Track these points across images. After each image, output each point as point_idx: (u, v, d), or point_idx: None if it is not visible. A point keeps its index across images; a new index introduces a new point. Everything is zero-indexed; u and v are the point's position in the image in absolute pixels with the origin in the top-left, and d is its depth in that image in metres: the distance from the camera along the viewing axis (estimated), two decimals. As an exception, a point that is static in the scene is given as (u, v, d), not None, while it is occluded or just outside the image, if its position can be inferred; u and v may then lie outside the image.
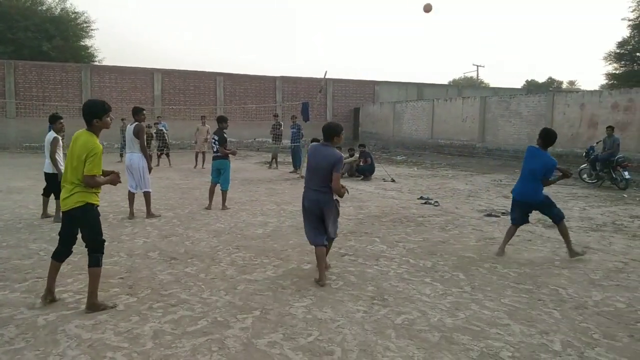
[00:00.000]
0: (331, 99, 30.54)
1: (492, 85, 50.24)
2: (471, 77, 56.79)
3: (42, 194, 8.26)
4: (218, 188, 9.27)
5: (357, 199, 10.45)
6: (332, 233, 5.21)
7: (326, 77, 16.81)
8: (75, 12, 32.71)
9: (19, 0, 30.82)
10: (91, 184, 4.16)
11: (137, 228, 7.50)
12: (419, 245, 6.65)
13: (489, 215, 8.74)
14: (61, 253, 4.43)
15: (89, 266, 4.25)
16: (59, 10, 32.14)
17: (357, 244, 6.68)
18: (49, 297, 4.41)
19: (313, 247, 5.22)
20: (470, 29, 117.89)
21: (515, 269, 5.62)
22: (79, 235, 4.36)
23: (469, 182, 13.62)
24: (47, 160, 7.93)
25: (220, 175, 9.18)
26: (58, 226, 7.49)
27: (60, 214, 7.71)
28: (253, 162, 19.37)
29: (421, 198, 10.52)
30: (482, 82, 53.70)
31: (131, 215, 8.30)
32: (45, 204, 8.23)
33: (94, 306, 4.23)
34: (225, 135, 9.17)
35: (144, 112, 8.48)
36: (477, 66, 51.31)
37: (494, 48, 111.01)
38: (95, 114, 4.25)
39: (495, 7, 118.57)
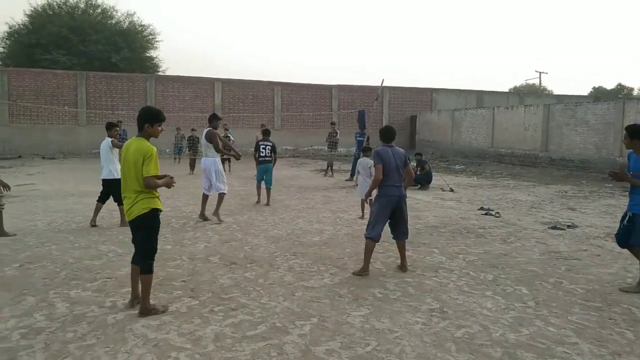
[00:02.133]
0: (387, 107, 30.40)
1: (555, 92, 48.34)
2: (533, 84, 54.89)
3: (98, 200, 8.32)
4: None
5: (414, 209, 10.31)
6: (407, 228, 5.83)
7: (383, 85, 16.73)
8: (141, 25, 34.39)
9: (91, 15, 32.73)
10: (151, 184, 4.27)
11: (199, 232, 7.73)
12: (480, 257, 6.47)
13: (554, 227, 8.39)
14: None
15: (141, 273, 4.35)
16: (127, 23, 33.89)
17: (415, 254, 6.58)
18: (136, 301, 4.52)
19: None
20: (532, 35, 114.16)
21: (583, 285, 5.36)
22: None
23: (532, 192, 13.13)
24: (109, 167, 8.22)
25: (265, 176, 10.76)
26: (125, 229, 7.86)
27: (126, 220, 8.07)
28: (309, 170, 19.54)
29: (481, 209, 10.25)
30: (545, 89, 51.82)
31: (202, 216, 8.70)
32: (97, 211, 8.27)
33: (145, 310, 4.33)
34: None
35: (220, 119, 9.01)
36: (540, 73, 49.68)
37: (557, 54, 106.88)
38: (147, 120, 4.39)
39: (558, 11, 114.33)
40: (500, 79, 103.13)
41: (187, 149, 19.53)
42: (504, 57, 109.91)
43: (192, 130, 19.53)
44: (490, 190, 13.58)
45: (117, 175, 8.29)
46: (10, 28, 31.75)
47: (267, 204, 10.48)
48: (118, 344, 3.76)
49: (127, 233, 7.59)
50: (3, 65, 30.10)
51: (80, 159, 23.05)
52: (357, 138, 16.53)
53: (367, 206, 9.66)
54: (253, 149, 11.58)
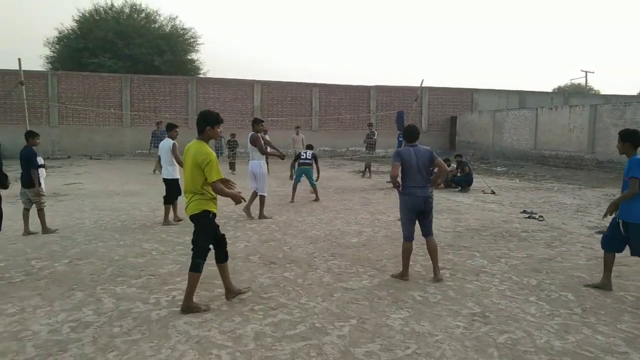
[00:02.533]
0: (427, 108, 30.02)
1: (603, 92, 46.63)
2: (579, 84, 53.09)
3: (164, 203, 8.57)
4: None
5: (454, 211, 10.16)
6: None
7: (422, 85, 16.56)
8: (183, 29, 35.06)
9: (135, 19, 33.67)
10: (218, 190, 4.39)
11: (239, 232, 7.84)
12: (523, 261, 6.32)
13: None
14: (216, 256, 4.70)
15: (189, 270, 4.46)
16: (169, 27, 34.64)
17: (455, 257, 6.48)
18: (230, 295, 4.76)
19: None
20: (578, 33, 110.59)
21: (633, 292, 5.15)
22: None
23: (577, 196, 12.72)
24: (170, 167, 8.56)
25: (307, 178, 11.45)
26: (167, 228, 8.05)
27: (172, 216, 8.30)
28: (346, 171, 19.52)
29: (524, 212, 10.00)
30: (591, 89, 50.05)
31: (246, 209, 9.00)
32: (167, 212, 8.53)
33: (187, 308, 4.42)
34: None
35: (262, 122, 9.31)
36: (586, 72, 47.95)
37: (605, 53, 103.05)
38: (208, 122, 4.52)
39: (605, 7, 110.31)
40: (544, 79, 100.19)
41: (226, 152, 19.88)
42: (548, 57, 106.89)
43: (232, 135, 19.79)
44: (533, 193, 13.23)
45: (173, 175, 8.55)
46: (59, 33, 33.03)
47: (317, 199, 11.37)
48: (162, 339, 3.86)
49: (169, 232, 7.82)
50: (53, 69, 31.31)
51: (124, 159, 23.73)
52: (399, 139, 16.44)
53: None
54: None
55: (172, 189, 8.60)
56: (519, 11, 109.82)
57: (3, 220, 5.88)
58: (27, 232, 7.48)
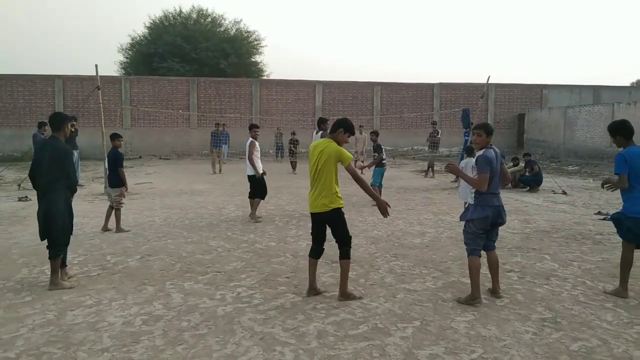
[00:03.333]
0: (493, 105, 29.05)
1: (688, 85, 43.30)
2: (660, 77, 49.61)
3: (249, 197, 9.05)
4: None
5: (522, 212, 9.77)
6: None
7: (489, 81, 16.06)
8: (247, 32, 35.96)
9: (202, 24, 34.87)
10: (352, 171, 4.67)
11: (301, 231, 7.92)
12: (597, 265, 5.98)
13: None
14: (315, 251, 4.94)
15: (340, 258, 4.78)
16: (234, 30, 35.62)
17: (524, 260, 6.23)
18: (312, 292, 4.89)
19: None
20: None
21: None
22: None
23: (659, 196, 11.87)
24: (248, 165, 8.91)
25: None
26: (233, 226, 8.24)
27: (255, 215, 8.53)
28: (408, 171, 19.25)
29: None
30: (674, 82, 46.59)
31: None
32: (251, 205, 8.93)
33: (345, 295, 4.74)
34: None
35: (328, 122, 9.48)
36: (669, 64, 44.63)
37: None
38: (347, 129, 4.80)
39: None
40: (621, 73, 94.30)
41: (288, 151, 20.25)
42: (625, 49, 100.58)
43: (292, 134, 20.04)
44: (608, 194, 12.46)
45: (249, 172, 8.90)
46: (132, 40, 34.85)
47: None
48: (227, 334, 3.96)
49: (234, 230, 8.02)
50: (126, 74, 33.02)
51: (192, 159, 24.59)
52: (465, 137, 16.04)
53: None
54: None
55: (255, 186, 8.94)
56: (593, 0, 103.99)
57: (82, 219, 6.25)
58: (105, 228, 7.93)
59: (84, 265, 5.94)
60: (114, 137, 8.11)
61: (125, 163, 8.61)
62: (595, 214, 9.48)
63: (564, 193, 12.37)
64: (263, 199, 9.03)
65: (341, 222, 4.81)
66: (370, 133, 11.61)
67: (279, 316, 4.35)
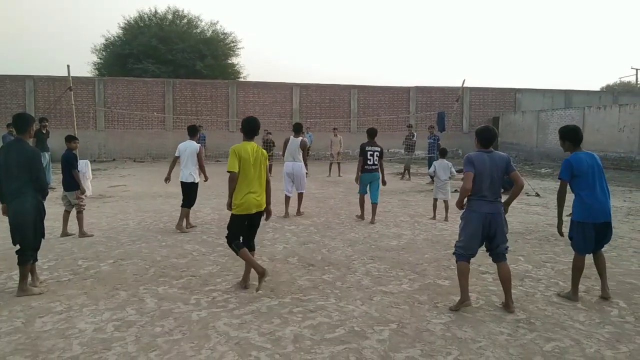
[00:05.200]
0: (468, 108, 29.43)
1: (655, 90, 44.56)
2: (629, 82, 50.95)
3: (183, 206, 8.17)
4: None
5: (496, 214, 9.89)
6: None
7: (464, 85, 16.26)
8: (224, 33, 35.71)
9: (178, 25, 34.51)
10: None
11: (278, 234, 7.87)
12: (570, 266, 6.00)
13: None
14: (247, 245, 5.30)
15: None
16: (210, 32, 35.33)
17: (498, 261, 6.30)
18: (243, 284, 5.22)
19: (454, 262, 4.87)
20: (626, 28, 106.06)
21: (691, 300, 4.87)
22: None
23: (627, 198, 12.18)
24: (188, 171, 8.24)
25: (371, 187, 9.14)
26: (209, 229, 8.13)
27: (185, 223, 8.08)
28: (385, 173, 19.30)
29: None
30: (642, 87, 47.93)
31: (286, 214, 9.34)
32: (186, 216, 8.26)
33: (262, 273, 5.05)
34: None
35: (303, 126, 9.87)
36: (637, 69, 46.00)
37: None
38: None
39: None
40: (592, 78, 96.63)
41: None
42: (596, 55, 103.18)
43: (268, 133, 19.36)
44: (580, 196, 12.73)
45: (196, 179, 8.35)
46: (106, 40, 34.26)
47: (373, 222, 8.85)
48: (202, 340, 3.89)
49: (210, 233, 7.92)
50: (100, 75, 32.43)
51: (167, 161, 24.26)
52: (428, 140, 16.47)
53: (442, 208, 9.38)
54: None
55: (194, 194, 8.33)
56: (566, 7, 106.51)
57: (53, 222, 6.08)
58: (64, 233, 7.65)
59: (55, 270, 5.79)
60: (70, 138, 7.84)
61: (98, 166, 8.47)
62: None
63: (537, 195, 12.58)
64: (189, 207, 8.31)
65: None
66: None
67: (254, 320, 4.30)
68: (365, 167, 9.01)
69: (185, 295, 4.95)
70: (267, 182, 5.27)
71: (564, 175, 4.92)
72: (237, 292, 5.03)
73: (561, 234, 5.15)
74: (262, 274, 4.99)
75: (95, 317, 4.36)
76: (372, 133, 9.39)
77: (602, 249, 5.11)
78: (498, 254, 4.68)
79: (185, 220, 8.24)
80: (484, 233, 4.60)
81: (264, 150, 5.29)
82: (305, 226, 8.57)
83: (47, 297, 4.84)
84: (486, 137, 4.74)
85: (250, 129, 5.24)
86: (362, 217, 9.20)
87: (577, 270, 4.93)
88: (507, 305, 4.60)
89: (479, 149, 4.77)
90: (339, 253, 6.71)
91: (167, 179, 8.70)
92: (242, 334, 4.00)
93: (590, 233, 4.91)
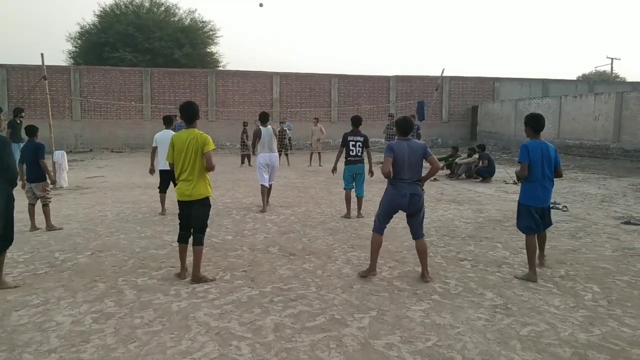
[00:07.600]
0: (447, 97, 29.62)
1: (629, 79, 45.41)
2: (604, 72, 51.81)
3: (161, 191, 8.80)
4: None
5: (475, 202, 10.03)
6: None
7: (443, 74, 16.36)
8: (202, 22, 35.16)
9: (155, 13, 33.90)
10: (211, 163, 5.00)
11: (259, 224, 7.85)
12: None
13: (627, 223, 7.91)
14: (186, 237, 5.27)
15: (194, 245, 5.05)
16: (188, 20, 34.79)
17: (477, 249, 6.40)
18: (186, 273, 5.19)
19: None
20: (602, 18, 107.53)
21: (662, 284, 5.01)
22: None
23: (602, 186, 12.45)
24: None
25: (356, 180, 8.59)
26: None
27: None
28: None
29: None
30: (617, 77, 48.83)
31: (264, 208, 9.02)
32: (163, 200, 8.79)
33: (197, 278, 4.99)
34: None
35: (268, 116, 9.54)
36: (612, 59, 46.80)
37: (631, 39, 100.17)
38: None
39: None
40: (568, 67, 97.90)
41: (240, 143, 19.47)
42: (572, 44, 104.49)
43: (244, 124, 19.18)
44: (556, 183, 12.85)
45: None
46: (81, 28, 33.49)
47: (360, 216, 8.51)
48: (182, 330, 3.88)
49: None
50: (75, 64, 31.75)
51: (145, 151, 23.97)
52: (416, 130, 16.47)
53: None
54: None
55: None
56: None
57: (25, 215, 5.95)
58: (33, 227, 7.44)
59: (31, 263, 5.69)
60: (35, 130, 7.73)
61: (75, 157, 8.34)
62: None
63: (515, 183, 12.75)
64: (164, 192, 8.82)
65: (207, 210, 5.22)
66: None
67: (235, 310, 4.29)
68: (349, 158, 8.44)
69: (165, 286, 4.92)
70: (208, 170, 5.06)
71: (524, 158, 5.33)
72: (218, 283, 5.01)
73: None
74: (183, 277, 5.15)
75: (73, 309, 4.31)
76: (356, 121, 8.70)
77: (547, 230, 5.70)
78: (417, 232, 5.23)
79: (161, 205, 8.81)
80: (408, 214, 5.24)
81: (205, 136, 5.10)
82: (286, 216, 8.56)
83: (23, 290, 4.76)
84: (404, 126, 5.26)
85: (187, 115, 5.22)
86: (348, 215, 8.48)
87: (531, 250, 5.27)
88: (423, 275, 5.15)
89: (399, 137, 5.26)
90: (320, 242, 6.73)
91: (152, 171, 9.11)
92: (223, 324, 4.00)
93: (535, 215, 5.38)
